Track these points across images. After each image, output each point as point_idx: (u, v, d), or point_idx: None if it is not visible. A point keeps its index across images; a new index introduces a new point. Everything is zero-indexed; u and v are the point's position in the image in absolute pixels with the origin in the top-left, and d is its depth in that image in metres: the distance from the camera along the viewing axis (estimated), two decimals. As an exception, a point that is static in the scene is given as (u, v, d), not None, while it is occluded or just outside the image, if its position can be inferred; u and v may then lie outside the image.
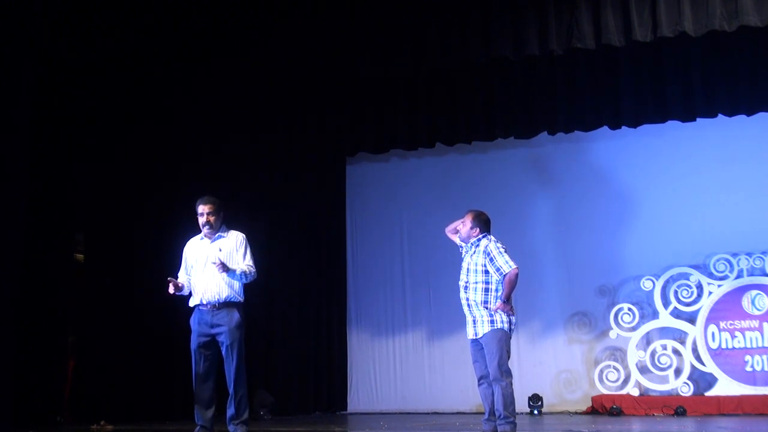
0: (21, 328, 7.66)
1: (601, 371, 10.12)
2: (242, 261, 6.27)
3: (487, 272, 6.11)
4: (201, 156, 10.24)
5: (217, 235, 6.29)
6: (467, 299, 6.16)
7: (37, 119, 8.10)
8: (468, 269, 6.18)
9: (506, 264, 6.07)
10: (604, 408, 9.71)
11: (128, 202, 9.35)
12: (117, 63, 9.19)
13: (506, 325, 6.07)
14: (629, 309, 10.14)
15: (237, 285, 6.28)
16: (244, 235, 6.39)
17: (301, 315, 11.10)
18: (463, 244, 6.35)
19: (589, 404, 10.04)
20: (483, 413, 6.50)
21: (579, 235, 10.68)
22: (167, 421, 8.92)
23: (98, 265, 9.02)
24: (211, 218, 6.24)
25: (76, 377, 8.79)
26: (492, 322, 6.05)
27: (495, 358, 5.98)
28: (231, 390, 6.22)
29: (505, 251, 6.15)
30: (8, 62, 7.73)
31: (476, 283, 6.11)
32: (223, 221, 6.36)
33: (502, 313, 6.06)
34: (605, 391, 10.00)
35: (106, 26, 8.95)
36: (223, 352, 6.24)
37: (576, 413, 10.01)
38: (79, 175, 8.88)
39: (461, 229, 6.29)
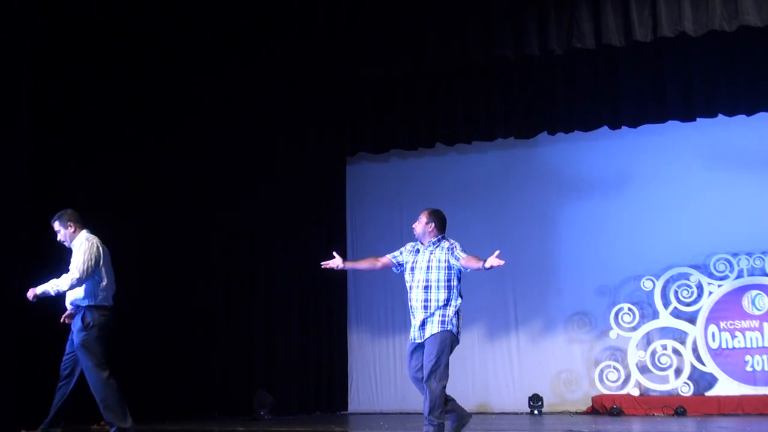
0: (22, 329, 7.65)
1: (602, 371, 10.12)
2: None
3: (449, 268, 5.88)
4: (202, 156, 10.25)
5: (71, 244, 6.50)
6: (426, 300, 5.88)
7: (37, 118, 8.10)
8: (429, 267, 5.92)
9: (463, 252, 5.85)
10: (604, 408, 9.71)
11: (128, 201, 9.33)
12: (119, 62, 9.16)
13: (455, 328, 5.85)
14: (629, 309, 10.13)
15: (80, 290, 6.37)
16: (87, 236, 6.48)
17: (302, 315, 11.08)
18: (406, 247, 6.18)
19: (590, 404, 10.04)
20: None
21: (579, 235, 10.67)
22: (167, 421, 8.91)
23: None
24: (60, 236, 6.49)
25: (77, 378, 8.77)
26: (442, 323, 5.81)
27: (432, 359, 5.74)
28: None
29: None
30: (8, 64, 7.72)
31: (438, 281, 5.88)
32: (77, 230, 6.51)
33: (453, 316, 5.83)
34: (605, 391, 9.99)
35: (107, 24, 8.92)
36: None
37: (576, 413, 10.00)
38: (80, 174, 8.83)
39: (416, 227, 6.07)
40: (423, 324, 5.86)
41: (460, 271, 5.91)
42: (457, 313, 5.86)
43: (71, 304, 6.41)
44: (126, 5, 9.00)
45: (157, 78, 9.54)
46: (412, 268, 6.00)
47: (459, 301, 5.89)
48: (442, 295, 5.84)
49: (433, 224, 5.99)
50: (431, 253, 5.94)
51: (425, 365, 5.77)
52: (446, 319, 5.80)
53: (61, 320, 6.46)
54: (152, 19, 9.30)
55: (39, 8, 8.10)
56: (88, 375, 6.32)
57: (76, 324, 6.34)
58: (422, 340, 5.86)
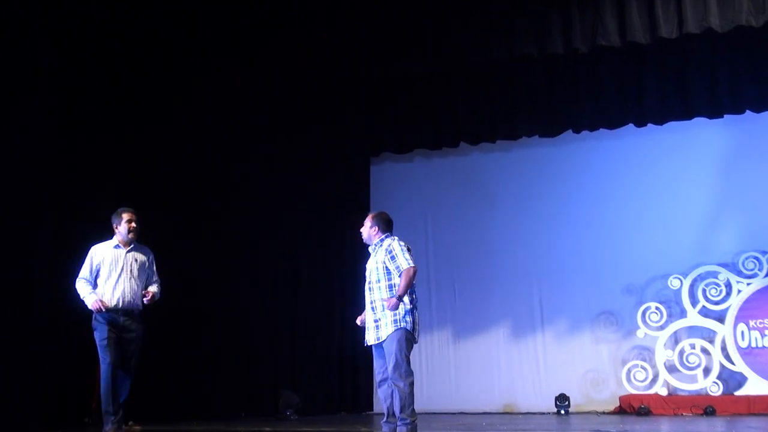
0: (49, 331, 7.72)
1: (629, 371, 10.04)
2: (153, 276, 6.89)
3: (388, 270, 5.96)
4: (227, 159, 10.29)
5: (132, 244, 6.75)
6: (372, 302, 6.01)
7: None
8: (373, 268, 6.05)
9: (406, 261, 5.92)
10: (632, 408, 9.63)
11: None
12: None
13: (409, 325, 5.89)
14: (657, 308, 10.05)
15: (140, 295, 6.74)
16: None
17: (326, 315, 11.11)
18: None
19: (617, 404, 9.96)
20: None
21: (605, 234, 10.59)
22: (193, 422, 8.97)
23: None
24: (138, 226, 6.75)
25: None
26: (395, 321, 5.87)
27: (392, 359, 5.82)
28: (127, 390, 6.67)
29: (408, 251, 6.02)
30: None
31: (379, 281, 5.98)
32: None
33: (405, 315, 5.88)
34: (633, 391, 9.91)
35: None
36: (129, 354, 6.65)
37: (603, 413, 9.93)
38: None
39: (362, 231, 6.21)
40: (376, 326, 5.97)
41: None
42: (410, 311, 5.92)
43: (134, 305, 6.68)
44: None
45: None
46: (365, 273, 6.17)
47: (408, 299, 5.93)
48: (386, 295, 5.93)
49: (377, 227, 6.17)
50: (375, 254, 6.09)
51: (388, 367, 5.87)
52: (398, 318, 5.88)
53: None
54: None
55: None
56: (135, 371, 6.67)
57: (141, 325, 6.73)
58: (377, 342, 5.97)
